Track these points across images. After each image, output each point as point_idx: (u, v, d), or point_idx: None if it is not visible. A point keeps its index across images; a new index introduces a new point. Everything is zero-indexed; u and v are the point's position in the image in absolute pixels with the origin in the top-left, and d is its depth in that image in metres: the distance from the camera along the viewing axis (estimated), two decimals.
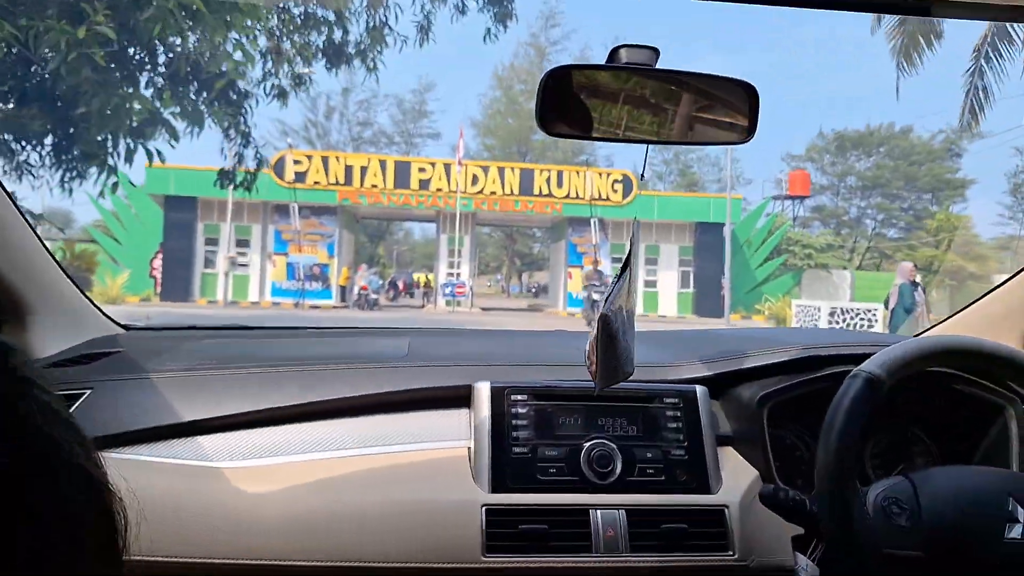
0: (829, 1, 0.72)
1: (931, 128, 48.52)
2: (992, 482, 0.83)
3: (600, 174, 25.10)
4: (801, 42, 71.27)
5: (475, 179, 24.60)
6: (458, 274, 25.76)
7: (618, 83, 0.88)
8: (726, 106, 0.91)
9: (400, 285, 35.17)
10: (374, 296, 23.84)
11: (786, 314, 20.18)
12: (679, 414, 1.11)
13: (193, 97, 5.32)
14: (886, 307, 10.64)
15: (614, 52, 0.85)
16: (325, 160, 24.44)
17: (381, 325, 2.19)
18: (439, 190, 24.69)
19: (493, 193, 24.88)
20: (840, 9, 0.72)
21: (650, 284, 26.29)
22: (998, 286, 1.39)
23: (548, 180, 25.02)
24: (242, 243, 25.12)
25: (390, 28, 5.51)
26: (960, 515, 0.78)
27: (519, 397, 1.09)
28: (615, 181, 24.94)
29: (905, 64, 13.69)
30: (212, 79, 4.80)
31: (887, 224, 44.77)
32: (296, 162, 24.15)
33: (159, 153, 5.51)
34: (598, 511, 1.00)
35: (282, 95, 5.95)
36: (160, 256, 24.54)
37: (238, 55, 4.72)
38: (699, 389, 1.15)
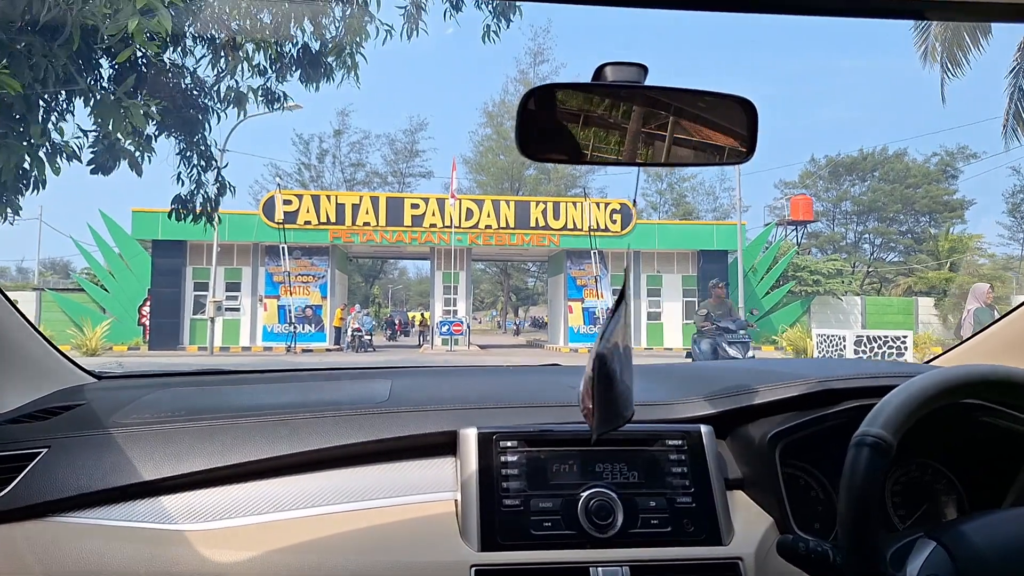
0: (822, 8, 0.67)
1: (924, 151, 48.95)
2: None
3: (597, 204, 24.53)
4: (794, 71, 72.01)
5: (469, 213, 24.01)
6: (454, 311, 25.01)
7: (605, 103, 0.82)
8: (723, 125, 0.86)
9: (396, 324, 34.46)
10: (368, 337, 23.03)
11: (806, 344, 19.37)
12: (683, 457, 1.03)
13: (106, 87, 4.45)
14: (957, 335, 9.29)
15: (600, 70, 0.80)
16: (316, 199, 23.85)
17: (373, 366, 2.02)
18: (432, 226, 24.08)
19: (488, 227, 24.26)
20: (833, 15, 0.68)
21: (654, 316, 25.53)
22: (1012, 310, 1.34)
23: (544, 212, 24.43)
24: (232, 287, 24.38)
25: (371, 16, 4.79)
26: None
27: (509, 443, 1.01)
28: (613, 211, 24.36)
29: (950, 65, 13.15)
30: (117, 52, 3.80)
31: (885, 248, 44.67)
32: (286, 202, 23.56)
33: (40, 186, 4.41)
34: (599, 568, 0.93)
35: (239, 101, 5.14)
36: (148, 303, 23.74)
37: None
38: (704, 428, 1.06)
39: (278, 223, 22.16)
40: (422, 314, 29.45)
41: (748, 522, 1.01)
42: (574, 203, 24.78)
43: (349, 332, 23.06)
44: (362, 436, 1.03)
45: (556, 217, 24.39)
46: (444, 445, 1.04)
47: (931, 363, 1.43)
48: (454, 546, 0.94)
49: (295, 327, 22.17)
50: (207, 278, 24.33)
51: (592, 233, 22.42)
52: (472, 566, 0.92)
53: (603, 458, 1.01)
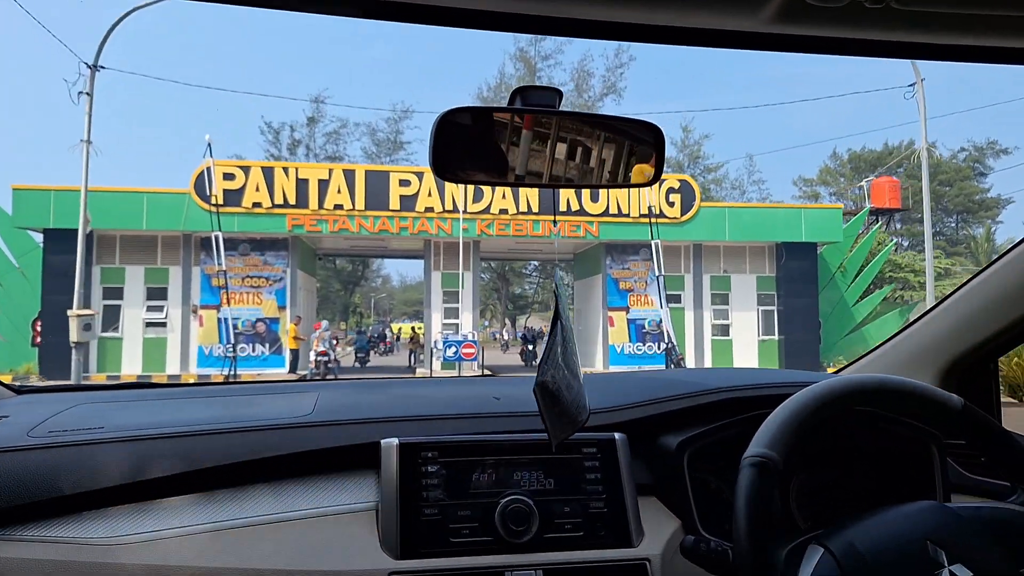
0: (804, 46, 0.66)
1: (951, 145, 45.63)
2: (907, 531, 0.79)
3: None
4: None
5: (478, 192, 17.76)
6: (457, 326, 18.76)
7: (518, 126, 0.84)
8: (632, 148, 0.89)
9: (384, 339, 28.36)
10: (333, 363, 16.74)
11: None
12: (597, 464, 1.07)
13: None
14: None
15: (515, 94, 0.83)
16: (268, 173, 17.51)
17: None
18: (428, 210, 17.82)
19: (503, 212, 18.03)
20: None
21: (720, 331, 19.36)
22: (911, 324, 1.39)
23: (578, 191, 18.24)
24: (156, 293, 17.99)
25: None
26: None
27: (430, 454, 1.03)
28: (670, 190, 18.24)
29: None
30: None
31: (913, 248, 40.84)
32: (227, 176, 17.22)
33: None
34: (513, 572, 0.97)
35: None
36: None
37: None
38: (618, 437, 1.10)
39: (214, 206, 15.82)
40: (413, 328, 23.17)
41: (658, 525, 1.05)
42: None
43: (312, 356, 16.76)
44: (284, 450, 1.03)
45: (594, 199, 18.22)
46: (367, 457, 1.04)
47: (840, 372, 1.49)
48: (373, 555, 0.95)
49: (233, 350, 15.75)
50: (121, 280, 17.92)
51: (653, 220, 16.21)
52: (390, 573, 0.94)
53: (521, 467, 1.04)
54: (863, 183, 26.42)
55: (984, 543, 0.78)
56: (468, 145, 0.83)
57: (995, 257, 1.28)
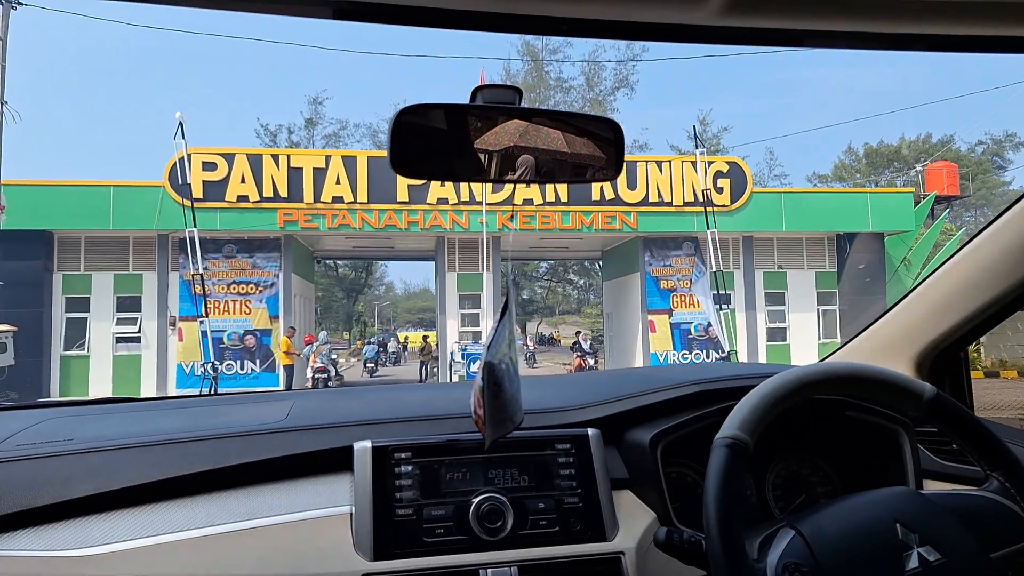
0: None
1: (969, 139, 44.19)
2: (877, 514, 0.80)
3: (694, 164, 16.03)
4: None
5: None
6: (478, 334, 16.37)
7: (477, 123, 0.84)
8: (591, 144, 0.90)
9: (387, 348, 26.09)
10: (335, 381, 14.34)
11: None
12: (571, 459, 1.07)
13: None
14: None
15: (475, 93, 0.83)
16: (255, 161, 15.11)
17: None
18: (442, 202, 15.43)
19: (528, 202, 15.65)
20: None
21: (776, 335, 16.96)
22: (885, 313, 1.39)
23: (614, 183, 15.85)
24: (127, 303, 15.59)
25: None
26: (857, 563, 0.76)
27: (403, 455, 1.03)
28: (718, 174, 15.88)
29: None
30: None
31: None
32: (207, 166, 14.83)
33: None
34: (488, 570, 0.96)
35: None
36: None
37: None
38: (591, 432, 1.10)
39: (188, 198, 13.42)
40: (424, 337, 20.76)
41: (632, 519, 1.04)
42: (659, 163, 16.20)
43: (309, 373, 14.34)
44: (256, 456, 1.02)
45: (632, 186, 15.84)
46: (340, 461, 1.04)
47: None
48: (347, 557, 0.95)
49: (213, 368, 13.29)
50: (87, 290, 15.50)
51: (710, 209, 13.79)
52: (364, 575, 0.93)
53: (495, 465, 1.04)
54: (917, 167, 24.05)
55: (955, 528, 0.79)
56: (428, 142, 0.82)
57: (959, 246, 1.24)
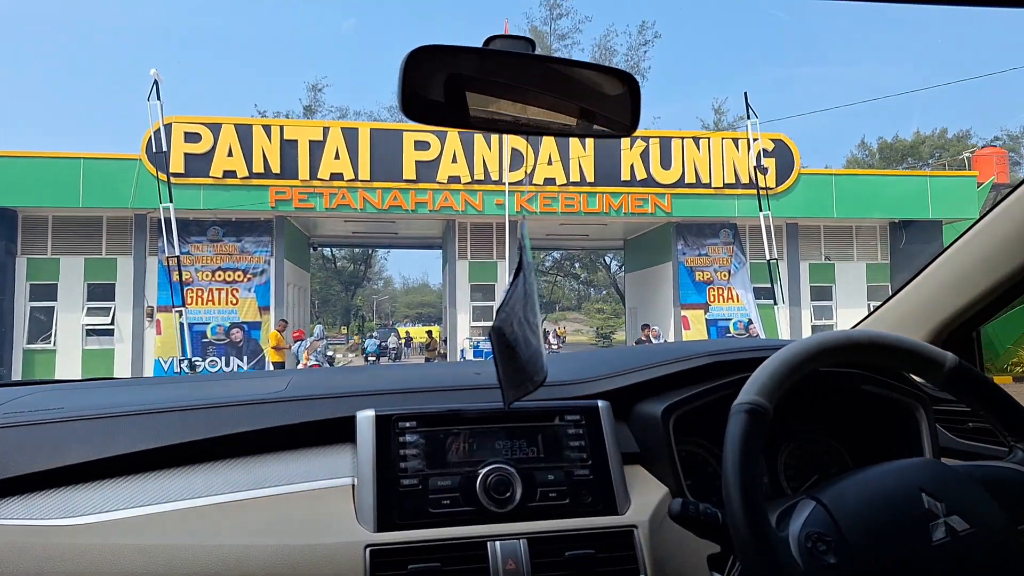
0: None
1: (985, 135, 42.84)
2: (901, 483, 0.79)
3: (735, 141, 14.33)
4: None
5: (516, 157, 13.70)
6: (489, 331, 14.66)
7: (489, 69, 0.82)
8: (606, 97, 0.88)
9: (392, 343, 24.61)
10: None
11: None
12: (581, 431, 1.04)
13: None
14: None
15: (488, 41, 0.81)
16: (244, 132, 13.41)
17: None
18: (453, 180, 13.75)
19: (551, 182, 13.98)
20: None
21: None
22: (904, 285, 1.37)
23: (645, 155, 14.16)
24: (100, 291, 13.92)
25: None
26: (883, 533, 0.74)
27: (407, 424, 0.99)
28: (763, 152, 14.21)
29: None
30: None
31: None
32: (190, 137, 13.13)
33: None
34: (496, 542, 0.93)
35: None
36: None
37: None
38: (601, 404, 1.07)
39: (164, 172, 11.72)
40: (429, 332, 19.08)
41: (644, 493, 1.02)
42: (696, 139, 14.51)
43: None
44: (256, 425, 1.00)
45: (666, 165, 14.16)
46: (342, 431, 1.01)
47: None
48: (349, 528, 0.92)
49: (190, 364, 11.61)
50: (54, 276, 13.82)
51: (763, 191, 12.08)
52: (367, 546, 0.91)
53: (502, 435, 1.01)
54: (966, 154, 22.39)
55: (982, 498, 0.77)
56: (435, 85, 0.81)
57: (968, 227, 1.20)
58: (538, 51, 0.80)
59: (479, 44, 0.80)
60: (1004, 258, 1.15)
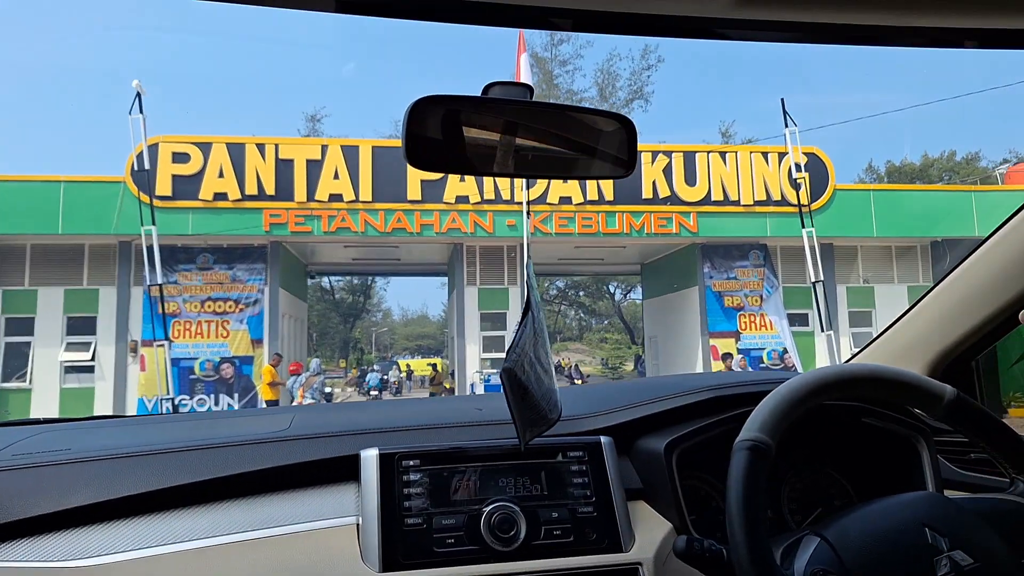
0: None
1: (994, 157, 42.20)
2: (904, 518, 0.79)
3: (764, 155, 13.34)
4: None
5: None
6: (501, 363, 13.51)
7: (489, 116, 0.85)
8: (604, 140, 0.90)
9: (392, 376, 23.46)
10: None
11: None
12: (584, 468, 1.03)
13: None
14: None
15: (486, 89, 0.84)
16: (236, 152, 12.45)
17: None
18: (461, 200, 12.75)
19: (567, 200, 12.97)
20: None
21: None
22: (900, 317, 1.37)
23: (668, 170, 13.17)
24: (80, 325, 12.85)
25: None
26: (887, 568, 0.74)
27: (411, 463, 0.99)
28: (795, 166, 13.22)
29: None
30: None
31: None
32: (178, 158, 12.19)
33: None
34: None
35: None
36: None
37: None
38: (604, 440, 1.06)
39: (147, 194, 10.72)
40: (434, 365, 17.90)
41: (648, 529, 1.01)
42: (723, 153, 13.52)
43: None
44: (259, 465, 0.99)
45: (691, 181, 13.16)
46: (346, 470, 1.01)
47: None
48: (354, 568, 0.92)
49: (174, 407, 10.47)
50: (31, 309, 12.76)
51: (786, 209, 11.05)
52: None
53: (506, 473, 1.01)
54: (1001, 168, 21.42)
55: (984, 532, 0.78)
56: (442, 134, 0.83)
57: (966, 254, 1.20)
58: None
59: (481, 86, 0.80)
60: (1000, 288, 1.16)
